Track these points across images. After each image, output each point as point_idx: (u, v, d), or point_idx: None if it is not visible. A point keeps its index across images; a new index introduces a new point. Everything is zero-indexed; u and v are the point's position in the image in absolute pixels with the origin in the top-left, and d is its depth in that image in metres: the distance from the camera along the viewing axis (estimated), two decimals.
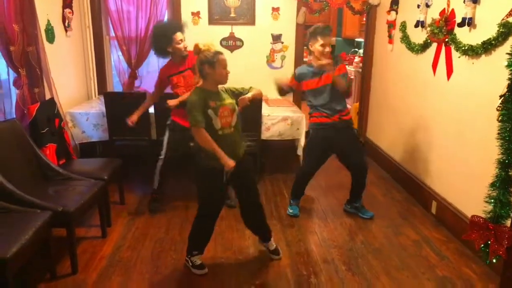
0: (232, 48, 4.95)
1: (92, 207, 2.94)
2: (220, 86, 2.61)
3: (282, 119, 4.10)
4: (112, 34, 4.80)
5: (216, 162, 2.49)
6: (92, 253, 2.90)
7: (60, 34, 4.06)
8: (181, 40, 3.30)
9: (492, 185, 2.06)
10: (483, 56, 2.81)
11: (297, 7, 4.84)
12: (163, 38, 3.28)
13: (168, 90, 3.54)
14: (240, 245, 3.03)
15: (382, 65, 4.73)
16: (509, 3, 2.47)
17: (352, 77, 6.71)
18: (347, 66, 3.99)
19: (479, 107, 2.85)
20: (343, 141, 3.33)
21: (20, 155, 2.87)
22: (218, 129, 2.49)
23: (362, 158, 3.45)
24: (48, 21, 3.78)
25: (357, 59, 7.00)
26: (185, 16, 4.78)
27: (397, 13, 4.28)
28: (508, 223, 2.06)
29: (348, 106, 3.50)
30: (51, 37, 3.83)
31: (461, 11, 2.96)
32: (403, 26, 4.06)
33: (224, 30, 4.90)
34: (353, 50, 7.81)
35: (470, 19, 2.88)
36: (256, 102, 2.71)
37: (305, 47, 5.09)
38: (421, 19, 3.63)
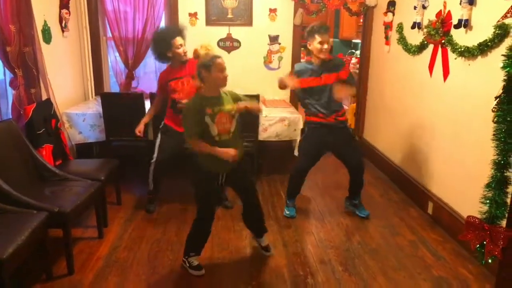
0: (229, 49, 4.95)
1: (88, 208, 2.93)
2: (224, 90, 2.58)
3: (279, 120, 4.10)
4: (109, 34, 4.79)
5: (211, 166, 2.51)
6: (88, 253, 2.89)
7: (57, 34, 4.05)
8: (180, 44, 3.30)
9: (488, 185, 2.07)
10: (479, 57, 2.82)
11: (294, 8, 4.85)
12: (162, 42, 3.28)
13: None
14: (237, 246, 3.04)
15: (379, 66, 4.75)
16: (505, 5, 2.48)
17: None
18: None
19: (475, 108, 2.87)
20: (339, 141, 3.34)
21: (16, 155, 2.86)
22: (215, 136, 2.48)
23: (359, 157, 3.45)
24: (45, 21, 3.77)
25: (354, 60, 7.01)
26: (182, 17, 4.78)
27: (393, 15, 4.29)
28: (503, 223, 2.07)
29: (345, 106, 3.51)
30: (47, 38, 3.82)
31: (458, 13, 2.97)
32: (400, 27, 4.07)
33: (221, 31, 4.90)
34: (350, 51, 7.82)
35: (467, 20, 2.89)
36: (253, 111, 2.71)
37: (302, 48, 5.11)
38: (418, 21, 3.65)
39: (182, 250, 2.76)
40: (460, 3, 2.91)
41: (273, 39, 4.97)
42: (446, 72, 3.24)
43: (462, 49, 2.95)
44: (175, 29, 3.44)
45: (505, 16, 2.19)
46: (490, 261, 2.08)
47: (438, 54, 3.33)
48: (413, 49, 3.75)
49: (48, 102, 3.55)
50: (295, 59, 5.04)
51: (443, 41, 3.21)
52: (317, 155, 3.43)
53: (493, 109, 2.00)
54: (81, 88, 4.73)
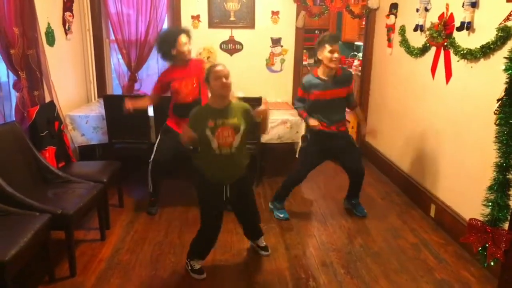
0: (231, 52, 4.96)
1: (91, 210, 2.94)
2: (236, 103, 2.53)
3: (281, 122, 4.10)
4: (112, 37, 4.80)
5: (213, 176, 2.51)
6: (90, 256, 2.90)
7: (60, 37, 4.07)
8: (185, 43, 3.32)
9: (490, 188, 2.06)
10: (481, 60, 2.82)
11: (297, 11, 4.85)
12: (168, 39, 3.31)
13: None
14: (239, 248, 3.03)
15: (381, 68, 4.75)
16: (507, 7, 2.47)
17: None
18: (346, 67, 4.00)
19: (477, 110, 2.86)
20: (340, 148, 3.37)
21: (19, 158, 2.87)
22: (214, 149, 2.46)
23: (359, 164, 3.48)
24: (48, 24, 3.79)
25: (356, 62, 7.01)
26: (185, 19, 4.80)
27: (396, 17, 4.29)
28: (505, 226, 2.06)
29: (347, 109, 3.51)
30: (51, 40, 3.84)
31: (460, 15, 2.97)
32: (402, 30, 4.07)
33: (224, 34, 4.91)
34: (352, 53, 7.83)
35: (469, 23, 2.89)
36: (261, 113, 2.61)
37: (304, 51, 5.11)
38: (420, 23, 3.64)
39: (184, 253, 2.77)
40: (463, 6, 2.91)
41: (276, 42, 4.97)
42: (448, 75, 3.24)
43: (465, 52, 2.95)
44: (181, 28, 3.47)
45: (507, 19, 2.19)
46: (492, 263, 2.07)
47: (441, 56, 3.33)
48: (416, 51, 3.75)
49: (51, 104, 3.57)
50: (297, 61, 5.05)
51: (445, 43, 3.21)
52: (317, 163, 3.45)
53: (495, 112, 2.00)
54: (84, 91, 4.75)
